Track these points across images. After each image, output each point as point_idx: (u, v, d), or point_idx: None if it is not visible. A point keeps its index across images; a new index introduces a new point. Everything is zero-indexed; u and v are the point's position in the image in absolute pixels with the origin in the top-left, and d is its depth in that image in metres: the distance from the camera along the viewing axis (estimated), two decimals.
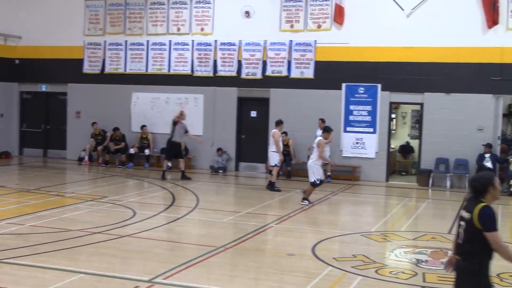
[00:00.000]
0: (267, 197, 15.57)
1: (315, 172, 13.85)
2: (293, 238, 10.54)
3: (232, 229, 11.30)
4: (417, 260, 9.00)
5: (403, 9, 18.25)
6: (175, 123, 17.69)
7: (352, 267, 8.51)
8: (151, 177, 17.89)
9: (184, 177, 17.58)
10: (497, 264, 8.91)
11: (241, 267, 8.63)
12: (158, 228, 10.97)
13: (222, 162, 19.70)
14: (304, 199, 14.03)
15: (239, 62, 19.97)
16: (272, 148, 16.02)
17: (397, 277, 8.15)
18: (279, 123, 16.18)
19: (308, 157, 14.88)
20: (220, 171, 19.53)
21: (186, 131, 17.97)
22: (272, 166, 16.05)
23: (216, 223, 11.65)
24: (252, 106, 20.21)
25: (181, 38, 20.61)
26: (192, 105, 20.28)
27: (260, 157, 19.79)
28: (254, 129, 20.08)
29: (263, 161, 19.84)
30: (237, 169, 20.25)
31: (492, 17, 17.41)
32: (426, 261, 8.98)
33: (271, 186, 15.99)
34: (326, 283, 7.85)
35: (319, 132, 18.04)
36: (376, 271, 8.36)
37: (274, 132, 15.99)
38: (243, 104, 20.24)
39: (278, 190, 15.75)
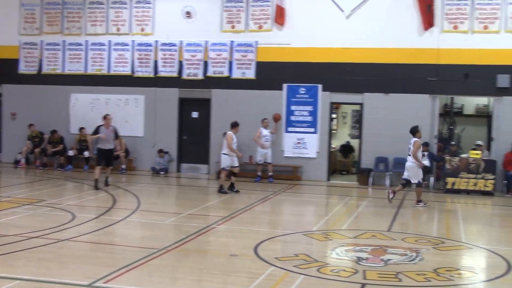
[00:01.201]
0: (209, 198, 15.52)
1: (417, 173, 14.53)
2: (236, 239, 10.52)
3: (174, 230, 11.19)
4: (358, 258, 9.11)
5: (343, 11, 18.50)
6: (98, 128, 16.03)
7: (294, 266, 8.55)
8: (91, 179, 17.52)
9: (107, 184, 16.24)
10: (434, 260, 9.17)
11: (183, 268, 8.55)
12: (98, 231, 10.76)
13: (164, 163, 19.52)
14: (419, 201, 14.56)
15: (180, 63, 19.84)
16: (223, 150, 15.79)
17: (338, 275, 8.23)
18: (234, 125, 15.96)
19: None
20: (162, 172, 19.34)
21: (117, 136, 16.52)
22: (221, 168, 15.88)
23: (158, 225, 11.52)
24: (193, 106, 20.10)
25: (121, 38, 20.33)
26: (133, 106, 20.02)
27: (202, 158, 19.75)
28: (196, 130, 19.98)
29: (205, 162, 19.81)
30: (178, 170, 20.11)
31: (428, 19, 17.86)
32: (367, 258, 9.10)
33: (230, 187, 15.80)
34: (268, 283, 7.86)
35: (265, 131, 18.13)
36: (317, 270, 8.41)
37: (227, 134, 15.79)
38: (185, 105, 20.11)
39: (225, 192, 15.55)
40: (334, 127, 21.79)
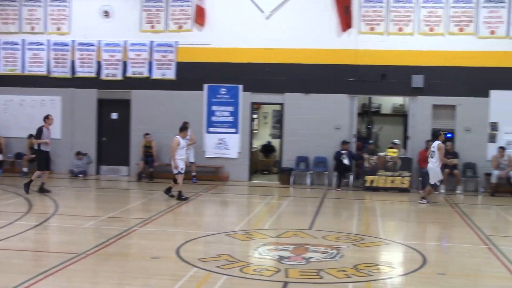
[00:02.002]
0: (130, 201, 15.26)
1: (436, 174, 15.00)
2: (158, 241, 10.36)
3: (94, 234, 10.92)
4: (280, 256, 9.17)
5: (262, 11, 18.62)
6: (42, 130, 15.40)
7: (216, 267, 8.51)
8: (5, 183, 16.90)
9: (42, 189, 15.38)
10: (354, 256, 9.35)
11: (103, 273, 8.35)
12: (13, 237, 10.34)
13: (82, 165, 19.05)
14: (423, 198, 15.25)
15: (99, 63, 19.42)
16: (177, 156, 15.01)
17: (261, 275, 8.25)
18: (182, 129, 15.21)
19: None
20: (80, 175, 18.87)
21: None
22: (175, 173, 14.96)
23: (77, 229, 11.22)
24: (112, 107, 19.71)
25: (36, 38, 19.68)
26: (49, 107, 19.39)
27: (122, 160, 19.42)
28: (115, 132, 19.61)
29: (125, 164, 19.49)
30: (98, 172, 19.67)
31: (345, 21, 18.22)
32: (289, 257, 9.17)
33: (178, 195, 14.81)
34: (191, 284, 7.79)
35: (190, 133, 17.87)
36: (240, 270, 8.41)
37: (174, 138, 14.92)
38: (104, 106, 19.69)
39: (186, 199, 14.77)
40: (255, 127, 21.90)
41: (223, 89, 18.95)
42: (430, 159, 15.39)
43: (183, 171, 14.85)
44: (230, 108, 18.93)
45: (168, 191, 15.10)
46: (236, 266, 8.61)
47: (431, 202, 15.26)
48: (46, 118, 15.63)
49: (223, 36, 18.74)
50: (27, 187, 15.17)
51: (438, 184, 15.55)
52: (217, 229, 11.67)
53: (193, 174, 18.06)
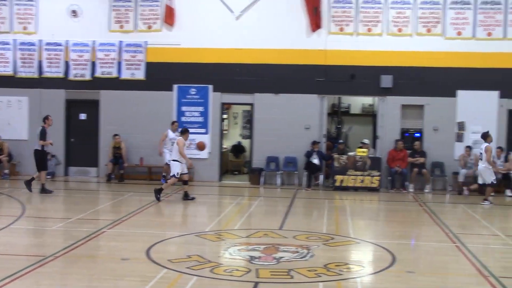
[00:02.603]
0: (99, 202, 15.12)
1: (490, 174, 15.45)
2: (127, 242, 10.28)
3: (63, 236, 10.79)
4: (251, 257, 9.16)
5: (232, 12, 18.61)
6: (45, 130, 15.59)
7: (187, 268, 8.47)
8: None
9: (45, 190, 15.55)
10: (325, 256, 9.39)
11: (72, 275, 8.25)
12: None
13: (50, 167, 18.78)
14: (485, 199, 15.46)
15: (67, 63, 19.20)
16: (173, 156, 15.05)
17: (231, 275, 8.24)
18: (185, 131, 15.30)
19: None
20: (48, 176, 18.57)
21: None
22: (171, 175, 15.02)
23: (45, 231, 11.07)
24: (81, 108, 19.49)
25: (1, 37, 19.37)
26: (16, 108, 19.14)
27: (91, 161, 19.25)
28: (84, 132, 19.41)
29: (94, 165, 19.31)
30: (66, 174, 19.46)
31: (315, 21, 18.32)
32: (259, 257, 9.17)
33: (157, 192, 14.82)
34: (161, 285, 7.74)
35: (172, 134, 17.70)
36: (211, 271, 8.38)
37: (178, 140, 15.02)
38: (72, 107, 19.47)
39: (159, 199, 14.70)
40: (225, 128, 21.87)
41: (193, 90, 18.89)
42: (480, 161, 15.78)
43: (178, 175, 14.87)
44: (200, 109, 18.88)
45: (186, 196, 15.06)
46: (207, 266, 8.58)
47: (493, 203, 15.54)
48: (46, 119, 15.81)
49: (193, 36, 18.69)
50: (29, 185, 15.53)
51: (495, 182, 15.88)
52: (187, 230, 11.64)
53: (163, 174, 17.93)
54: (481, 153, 15.70)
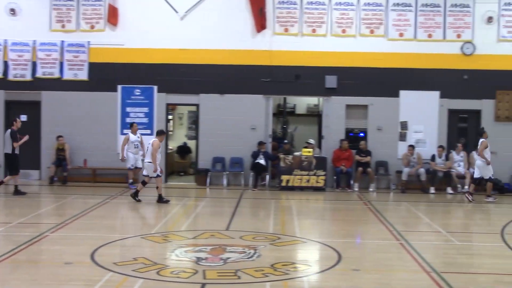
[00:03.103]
0: (41, 205, 14.77)
1: (488, 170, 15.87)
2: (71, 246, 10.06)
3: (3, 241, 10.48)
4: (197, 258, 9.11)
5: (177, 12, 18.47)
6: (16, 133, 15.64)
7: (133, 270, 8.35)
8: None
9: (18, 192, 15.64)
10: (271, 256, 9.41)
11: (13, 281, 8.02)
12: None
13: None
14: (488, 196, 16.04)
15: (5, 63, 18.68)
16: (147, 158, 14.82)
17: (178, 277, 8.17)
18: (160, 133, 15.06)
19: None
20: None
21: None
22: (145, 175, 14.85)
23: None
24: (21, 109, 18.92)
25: None
26: None
27: (32, 164, 18.74)
28: (25, 134, 18.84)
29: (36, 168, 18.86)
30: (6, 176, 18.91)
31: (260, 22, 18.37)
32: (206, 258, 9.12)
33: (159, 199, 14.79)
34: None
35: (133, 137, 17.34)
36: (157, 273, 8.29)
37: (153, 141, 14.75)
38: (12, 108, 18.94)
39: (167, 201, 14.74)
40: (171, 129, 21.71)
41: (138, 90, 18.68)
42: (477, 157, 16.21)
43: (162, 174, 14.94)
44: (145, 109, 18.68)
45: (136, 194, 14.87)
46: (153, 269, 8.48)
47: (497, 199, 16.04)
48: (14, 121, 15.84)
49: (137, 37, 18.47)
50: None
51: (493, 178, 16.26)
52: (133, 232, 11.47)
53: (131, 180, 17.53)
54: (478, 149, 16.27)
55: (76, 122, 18.53)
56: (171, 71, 18.48)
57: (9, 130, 15.66)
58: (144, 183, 14.90)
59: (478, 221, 14.34)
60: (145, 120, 18.65)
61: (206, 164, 18.54)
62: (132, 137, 17.36)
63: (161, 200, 14.74)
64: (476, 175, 16.24)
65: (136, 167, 17.38)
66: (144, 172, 15.00)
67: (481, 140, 16.08)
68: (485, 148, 16.00)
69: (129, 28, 18.53)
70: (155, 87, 18.65)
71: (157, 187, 14.85)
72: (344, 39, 18.46)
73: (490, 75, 18.33)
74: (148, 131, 18.53)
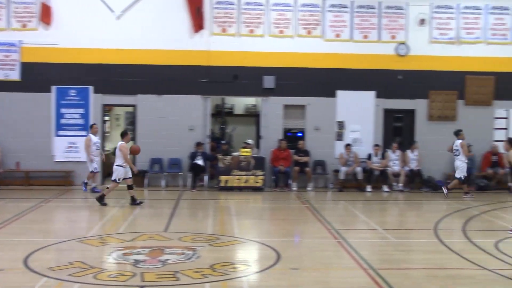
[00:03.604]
0: None
1: (462, 170, 16.53)
2: (3, 252, 9.73)
3: None
4: (136, 260, 8.98)
5: (113, 11, 18.18)
6: None
7: (68, 275, 8.16)
8: None
9: None
10: (210, 256, 9.37)
11: None
12: None
13: None
14: (466, 193, 16.66)
15: None
16: (117, 161, 14.48)
17: (116, 280, 8.03)
18: (124, 134, 14.67)
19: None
20: None
21: None
22: (112, 180, 14.61)
23: None
24: None
25: None
26: None
27: None
28: None
29: None
30: None
31: (198, 22, 18.28)
32: (144, 260, 9.01)
33: (132, 201, 14.68)
34: None
35: (95, 138, 16.87)
36: (94, 277, 8.12)
37: (120, 144, 14.44)
38: None
39: (105, 204, 14.51)
40: (107, 130, 21.36)
41: (73, 91, 18.28)
42: (456, 157, 16.66)
43: (119, 181, 14.54)
44: (81, 110, 18.31)
45: (133, 201, 14.68)
46: (90, 273, 8.31)
47: (474, 195, 16.47)
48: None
49: (72, 36, 18.07)
50: None
51: (463, 178, 16.64)
52: (68, 235, 11.20)
53: (85, 181, 17.15)
54: (456, 149, 16.70)
55: (8, 123, 18.00)
56: (108, 72, 18.18)
57: None
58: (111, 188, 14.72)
59: (412, 218, 14.69)
60: (80, 121, 18.28)
61: (144, 165, 18.30)
62: (93, 138, 16.91)
63: (101, 200, 14.53)
64: (456, 175, 16.83)
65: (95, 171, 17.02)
66: (113, 177, 14.69)
67: (459, 141, 16.67)
68: (465, 148, 16.59)
69: (63, 27, 18.11)
70: (91, 88, 18.31)
71: (131, 190, 14.74)
72: (281, 40, 18.58)
73: (423, 76, 18.81)
74: (84, 133, 18.15)
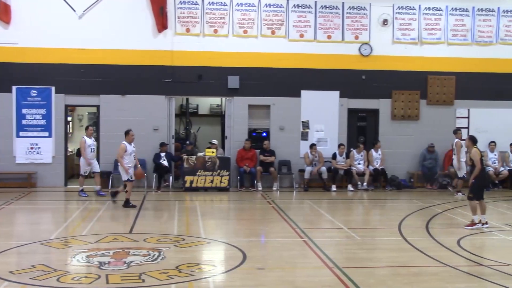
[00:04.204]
0: None
1: (461, 168, 17.01)
2: None
3: None
4: (100, 262, 8.88)
5: (74, 10, 17.94)
6: None
7: (31, 278, 8.02)
8: None
9: None
10: (176, 257, 9.32)
11: None
12: None
13: None
14: (458, 191, 17.14)
15: None
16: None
17: (80, 283, 7.92)
18: (125, 133, 14.51)
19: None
20: None
21: None
22: (125, 181, 14.43)
23: None
24: None
25: None
26: None
27: None
28: None
29: None
30: None
31: (161, 22, 18.16)
32: (109, 262, 8.91)
33: (126, 203, 14.48)
34: None
35: (89, 141, 16.51)
36: (57, 280, 8.00)
37: (121, 145, 14.43)
38: None
39: (133, 206, 14.44)
40: (70, 131, 21.08)
41: (34, 91, 17.99)
42: (454, 157, 17.09)
43: (132, 179, 14.36)
44: (42, 111, 18.01)
45: (115, 194, 14.81)
46: (53, 276, 8.18)
47: (465, 193, 16.10)
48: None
49: (32, 35, 17.78)
50: None
51: (465, 176, 16.80)
52: (30, 238, 11.00)
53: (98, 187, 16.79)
54: (454, 149, 17.05)
55: None
56: (70, 72, 17.94)
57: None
58: (124, 186, 14.59)
59: (377, 216, 14.85)
60: (42, 122, 17.99)
61: (108, 166, 18.11)
62: (88, 141, 16.55)
63: (127, 204, 14.41)
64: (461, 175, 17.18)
65: (94, 172, 16.68)
66: (124, 177, 14.66)
67: (455, 140, 17.08)
68: (461, 148, 16.87)
69: (23, 26, 17.79)
70: (53, 88, 18.03)
71: (126, 191, 14.50)
72: (246, 40, 18.58)
73: (386, 76, 19.02)
74: (46, 133, 17.90)
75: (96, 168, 16.72)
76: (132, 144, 14.63)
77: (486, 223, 12.05)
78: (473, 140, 12.33)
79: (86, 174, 16.79)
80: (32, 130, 17.94)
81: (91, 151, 16.60)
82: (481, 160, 12.13)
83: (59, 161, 18.14)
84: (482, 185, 12.27)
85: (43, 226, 12.84)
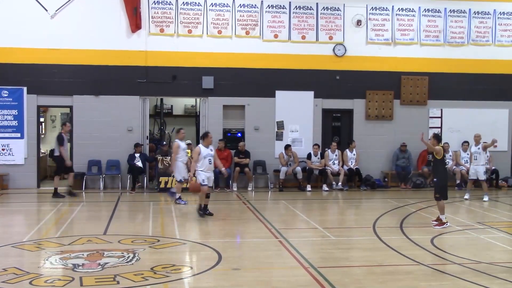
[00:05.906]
0: None
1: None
2: None
3: None
4: (74, 264, 8.78)
5: (46, 10, 17.75)
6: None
7: (3, 282, 7.90)
8: None
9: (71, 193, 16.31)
10: (151, 258, 9.26)
11: None
12: None
13: None
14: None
15: None
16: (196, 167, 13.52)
17: (53, 285, 7.82)
18: (204, 136, 13.59)
19: None
20: None
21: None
22: (202, 185, 13.50)
23: None
24: None
25: None
26: None
27: None
28: None
29: None
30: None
31: (135, 22, 18.05)
32: (83, 264, 8.82)
33: (203, 208, 13.61)
34: None
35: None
36: (30, 283, 7.89)
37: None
38: None
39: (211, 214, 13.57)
40: (43, 132, 20.84)
41: (5, 92, 17.76)
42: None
43: (204, 183, 13.30)
44: (14, 112, 17.79)
45: (205, 209, 13.56)
46: (25, 279, 8.07)
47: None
48: (64, 125, 16.46)
49: (3, 35, 17.61)
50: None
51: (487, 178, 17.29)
52: (2, 241, 10.84)
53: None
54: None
55: None
56: (42, 72, 17.75)
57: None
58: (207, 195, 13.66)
59: (352, 216, 14.92)
60: (14, 123, 17.76)
61: (82, 167, 17.96)
62: (182, 144, 15.90)
63: (205, 211, 13.59)
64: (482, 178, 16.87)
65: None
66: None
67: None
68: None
69: None
70: (25, 89, 17.82)
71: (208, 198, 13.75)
72: (220, 40, 18.56)
73: (360, 76, 19.14)
74: (18, 135, 17.69)
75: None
76: (210, 147, 13.62)
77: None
78: (437, 139, 12.59)
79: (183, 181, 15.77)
80: (4, 131, 17.71)
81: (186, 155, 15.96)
82: (442, 159, 12.37)
83: (32, 163, 17.93)
84: (444, 184, 12.48)
85: (15, 229, 12.67)
